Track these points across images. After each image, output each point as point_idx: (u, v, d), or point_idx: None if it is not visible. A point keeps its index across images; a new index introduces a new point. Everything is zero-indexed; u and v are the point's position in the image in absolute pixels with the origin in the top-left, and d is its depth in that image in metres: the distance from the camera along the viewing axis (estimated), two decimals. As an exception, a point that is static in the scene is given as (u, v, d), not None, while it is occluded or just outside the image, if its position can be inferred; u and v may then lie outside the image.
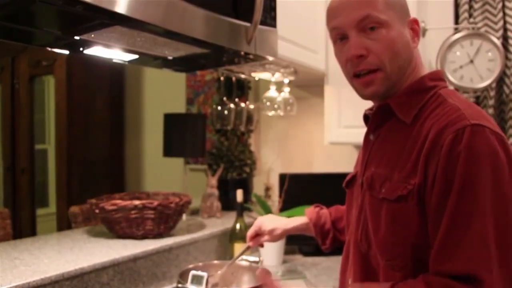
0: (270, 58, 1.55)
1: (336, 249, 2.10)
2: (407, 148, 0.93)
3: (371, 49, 0.97)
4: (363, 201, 1.04)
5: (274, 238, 1.44)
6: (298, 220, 1.45)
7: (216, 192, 2.35)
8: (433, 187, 0.86)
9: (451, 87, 1.99)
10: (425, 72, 1.04)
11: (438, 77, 1.03)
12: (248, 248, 1.46)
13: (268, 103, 2.30)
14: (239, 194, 1.90)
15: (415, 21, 1.02)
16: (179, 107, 3.34)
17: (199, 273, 1.34)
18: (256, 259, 1.50)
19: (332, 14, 1.03)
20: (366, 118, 1.14)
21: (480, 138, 0.84)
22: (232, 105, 2.26)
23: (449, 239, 0.83)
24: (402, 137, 0.97)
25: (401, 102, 0.99)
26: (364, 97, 1.05)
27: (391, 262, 0.94)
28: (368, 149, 1.07)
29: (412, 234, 0.90)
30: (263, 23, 1.42)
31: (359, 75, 1.00)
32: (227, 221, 2.21)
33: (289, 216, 1.50)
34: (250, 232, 1.45)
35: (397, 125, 1.00)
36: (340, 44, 1.02)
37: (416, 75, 1.02)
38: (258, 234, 1.45)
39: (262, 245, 1.48)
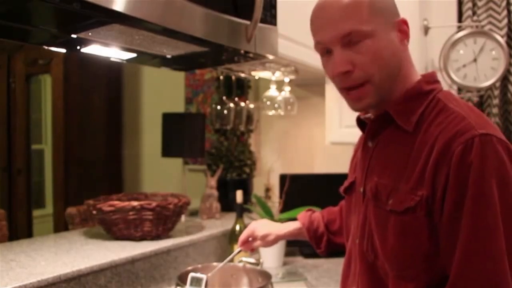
0: (270, 57, 1.54)
1: (337, 251, 2.11)
2: (412, 158, 0.91)
3: (356, 63, 0.94)
4: (367, 212, 1.02)
5: (267, 243, 1.44)
6: (291, 225, 1.44)
7: (215, 193, 2.33)
8: (444, 198, 0.85)
9: (454, 87, 2.00)
10: (417, 74, 1.02)
11: (433, 79, 1.01)
12: (239, 252, 1.45)
13: (268, 103, 2.29)
14: (239, 195, 1.88)
15: (404, 22, 0.97)
16: (178, 107, 3.33)
17: (198, 275, 1.33)
18: (253, 260, 1.48)
19: (315, 27, 0.99)
20: (360, 122, 1.11)
21: (489, 148, 0.83)
22: (231, 105, 2.24)
23: (467, 254, 0.82)
24: (405, 145, 0.94)
25: (400, 110, 0.97)
26: (356, 110, 1.04)
27: (401, 273, 0.92)
28: (368, 156, 1.05)
29: (421, 245, 0.89)
30: (263, 21, 1.41)
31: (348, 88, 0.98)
32: (226, 223, 2.20)
33: (290, 217, 1.49)
34: (242, 237, 1.44)
35: (397, 132, 0.97)
36: (326, 57, 1.00)
37: (409, 79, 0.99)
38: (250, 239, 1.44)
39: (253, 250, 1.47)
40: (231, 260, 1.81)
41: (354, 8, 0.93)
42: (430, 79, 1.00)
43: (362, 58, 0.93)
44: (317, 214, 1.42)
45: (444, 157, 0.85)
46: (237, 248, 1.47)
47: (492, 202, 0.81)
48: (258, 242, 1.43)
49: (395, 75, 0.97)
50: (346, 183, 1.18)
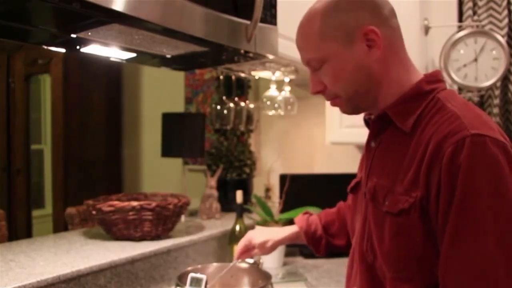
0: (271, 57, 1.54)
1: (336, 252, 2.10)
2: (407, 159, 0.91)
3: (325, 82, 1.02)
4: (367, 212, 1.02)
5: (265, 250, 1.42)
6: (288, 229, 1.43)
7: (215, 193, 2.32)
8: (438, 201, 0.84)
9: (454, 86, 1.99)
10: (416, 74, 1.01)
11: (436, 79, 1.00)
12: (234, 264, 1.43)
13: (268, 102, 2.27)
14: (239, 195, 1.88)
15: (370, 31, 0.95)
16: (178, 107, 3.32)
17: (198, 275, 1.32)
18: (252, 261, 1.48)
19: None
20: (366, 121, 1.12)
21: (480, 149, 0.82)
22: (231, 104, 2.23)
23: (451, 258, 0.82)
24: (402, 146, 0.94)
25: (398, 111, 0.97)
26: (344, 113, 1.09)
27: (398, 274, 0.92)
28: (370, 156, 1.05)
29: (417, 247, 0.88)
30: (263, 20, 1.41)
31: None
32: (226, 223, 2.19)
33: (290, 218, 1.48)
34: (240, 247, 1.42)
35: (397, 133, 0.97)
36: None
37: (404, 80, 0.98)
38: (248, 248, 1.43)
39: (252, 257, 1.46)
40: (232, 261, 1.81)
41: (306, 39, 1.02)
42: (432, 78, 0.99)
43: (327, 79, 1.01)
44: (315, 217, 1.41)
45: (436, 159, 0.84)
46: (234, 258, 1.45)
47: (480, 204, 0.80)
48: (256, 251, 1.42)
49: (364, 86, 0.99)
50: (352, 182, 1.18)
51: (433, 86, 0.97)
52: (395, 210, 0.90)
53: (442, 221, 0.83)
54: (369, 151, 1.06)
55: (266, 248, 1.41)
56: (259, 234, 1.43)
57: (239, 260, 1.46)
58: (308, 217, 1.41)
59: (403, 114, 0.96)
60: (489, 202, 0.80)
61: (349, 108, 1.04)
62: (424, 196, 0.86)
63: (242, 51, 1.39)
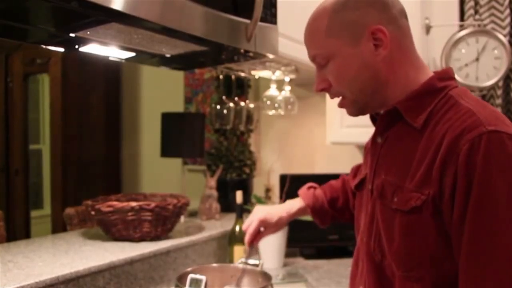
0: (271, 56, 1.53)
1: (336, 253, 2.10)
2: (418, 155, 0.90)
3: (330, 80, 1.01)
4: (374, 210, 1.01)
5: (281, 227, 1.41)
6: (296, 204, 1.42)
7: (215, 193, 2.32)
8: (453, 199, 0.83)
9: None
10: (424, 71, 1.00)
11: (448, 76, 0.99)
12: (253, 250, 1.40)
13: (268, 102, 2.27)
14: (239, 196, 1.87)
15: (377, 30, 0.95)
16: (177, 106, 3.32)
17: (198, 276, 1.32)
18: (256, 262, 1.47)
19: None
20: (373, 117, 1.11)
21: (497, 147, 0.80)
22: (231, 104, 2.23)
23: (472, 261, 0.81)
24: (412, 142, 0.93)
25: (409, 106, 0.96)
26: (350, 115, 1.07)
27: (407, 274, 0.91)
28: (377, 153, 1.04)
29: (428, 245, 0.87)
30: (263, 20, 1.40)
31: None
32: (226, 223, 2.19)
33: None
34: (251, 229, 1.37)
35: (406, 129, 0.96)
36: None
37: (413, 78, 0.98)
38: (262, 229, 1.39)
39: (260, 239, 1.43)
40: (232, 261, 1.81)
41: (313, 35, 1.01)
42: (444, 75, 0.99)
43: (331, 77, 1.00)
44: (320, 192, 1.41)
45: (451, 156, 0.83)
46: (238, 248, 1.43)
47: (498, 204, 0.78)
48: (272, 229, 1.39)
49: (370, 85, 0.98)
50: (357, 180, 1.17)
51: (446, 83, 0.96)
52: (406, 208, 0.89)
53: (458, 220, 0.82)
54: (375, 147, 1.05)
55: (282, 225, 1.41)
56: (272, 212, 1.40)
57: (240, 260, 1.45)
58: (314, 192, 1.41)
59: (414, 110, 0.95)
60: (507, 202, 0.79)
61: (356, 108, 1.03)
62: (437, 194, 0.85)
63: (242, 51, 1.38)
